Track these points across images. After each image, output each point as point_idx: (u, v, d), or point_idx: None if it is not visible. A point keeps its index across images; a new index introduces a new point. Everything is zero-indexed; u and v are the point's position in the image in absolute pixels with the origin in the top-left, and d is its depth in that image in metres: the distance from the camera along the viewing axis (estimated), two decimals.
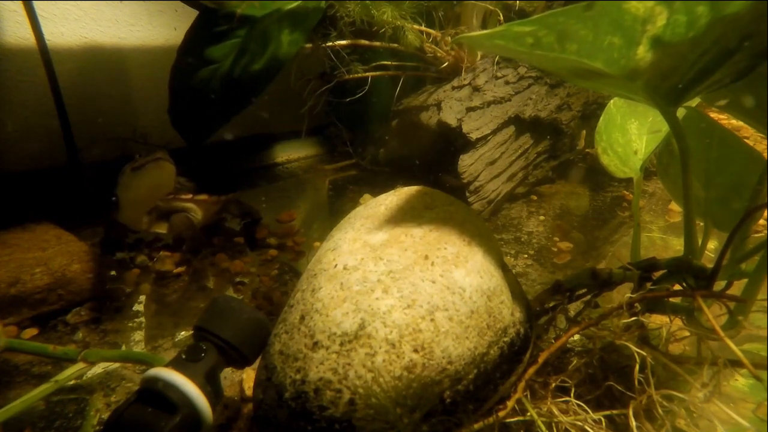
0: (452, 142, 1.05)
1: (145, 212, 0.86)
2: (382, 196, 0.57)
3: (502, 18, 1.06)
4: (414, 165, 1.22)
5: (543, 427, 0.42)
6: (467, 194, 1.01)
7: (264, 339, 0.48)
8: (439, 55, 1.12)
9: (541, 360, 0.45)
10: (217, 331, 0.46)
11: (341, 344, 0.40)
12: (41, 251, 0.72)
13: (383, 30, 1.03)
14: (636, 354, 0.42)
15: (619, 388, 0.43)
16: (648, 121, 0.69)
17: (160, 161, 0.79)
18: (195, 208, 0.89)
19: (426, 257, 0.44)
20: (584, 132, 1.14)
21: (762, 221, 0.87)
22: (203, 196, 0.89)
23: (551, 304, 0.54)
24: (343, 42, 1.09)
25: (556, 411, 0.43)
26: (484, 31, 0.34)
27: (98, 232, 0.91)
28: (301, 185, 1.33)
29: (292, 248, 0.94)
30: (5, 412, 0.50)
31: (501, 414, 0.42)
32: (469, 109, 1.03)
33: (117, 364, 0.61)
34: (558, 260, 0.89)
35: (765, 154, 0.56)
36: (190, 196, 0.88)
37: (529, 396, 0.45)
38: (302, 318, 0.43)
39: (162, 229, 0.88)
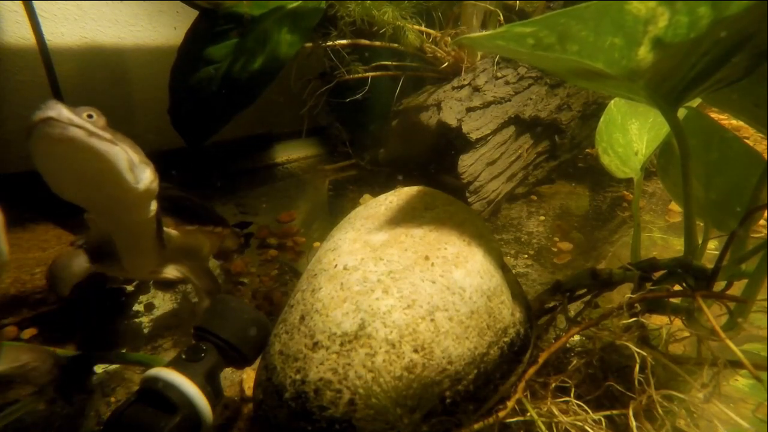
0: (452, 143, 1.05)
1: (149, 243, 0.61)
2: (382, 197, 0.57)
3: (502, 18, 1.06)
4: (414, 165, 1.22)
5: (543, 428, 0.42)
6: (467, 194, 1.01)
7: (264, 339, 0.48)
8: (439, 55, 1.12)
9: (541, 360, 0.45)
10: (217, 331, 0.46)
11: (341, 344, 0.40)
12: (41, 251, 0.72)
13: (383, 30, 1.03)
14: (636, 354, 0.42)
15: (619, 388, 0.43)
16: (649, 122, 0.69)
17: (49, 121, 0.41)
18: (205, 241, 0.75)
19: (426, 257, 0.44)
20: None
21: (762, 221, 0.87)
22: (209, 228, 0.75)
23: (551, 304, 0.54)
24: (344, 41, 1.09)
25: (556, 411, 0.43)
26: (486, 32, 0.34)
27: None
28: (301, 185, 1.33)
29: (292, 248, 0.94)
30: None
31: (501, 414, 0.42)
32: (469, 110, 1.03)
33: (117, 365, 0.61)
34: (558, 260, 0.89)
35: (765, 154, 0.56)
36: (195, 227, 0.71)
37: (529, 396, 0.45)
38: (302, 318, 0.43)
39: (176, 271, 0.68)
